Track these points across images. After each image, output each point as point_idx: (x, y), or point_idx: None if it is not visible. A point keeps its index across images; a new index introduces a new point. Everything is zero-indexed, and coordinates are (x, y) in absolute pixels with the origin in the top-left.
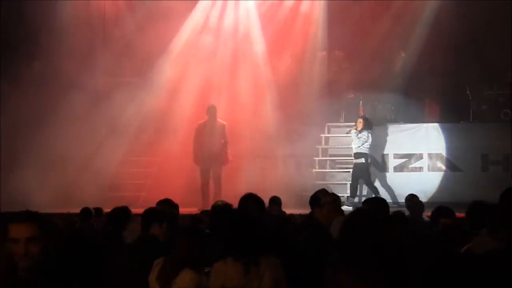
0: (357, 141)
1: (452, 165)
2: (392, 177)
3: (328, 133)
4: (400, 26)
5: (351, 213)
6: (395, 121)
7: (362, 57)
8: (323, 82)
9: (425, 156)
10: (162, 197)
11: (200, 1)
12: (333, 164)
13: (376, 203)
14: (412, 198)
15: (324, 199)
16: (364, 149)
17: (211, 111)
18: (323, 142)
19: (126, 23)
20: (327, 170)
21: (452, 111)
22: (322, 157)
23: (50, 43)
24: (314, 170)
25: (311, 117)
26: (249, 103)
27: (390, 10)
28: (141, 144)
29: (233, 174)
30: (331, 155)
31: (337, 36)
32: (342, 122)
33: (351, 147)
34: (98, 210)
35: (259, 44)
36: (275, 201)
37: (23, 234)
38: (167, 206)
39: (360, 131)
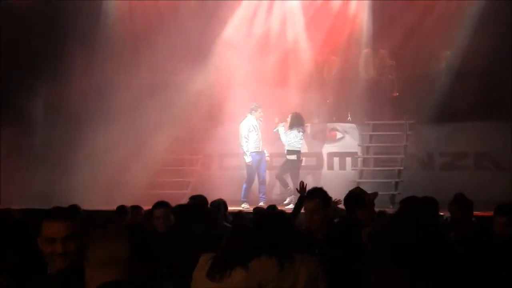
0: (286, 138)
1: (497, 164)
2: (438, 175)
3: (373, 131)
4: (445, 24)
5: (396, 212)
6: (440, 119)
7: (407, 55)
8: (367, 79)
9: (471, 155)
10: (205, 195)
11: (244, 1)
12: (378, 162)
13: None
14: (460, 197)
15: (368, 198)
16: (295, 146)
17: (254, 109)
18: (367, 140)
19: (171, 21)
20: (372, 168)
21: (497, 109)
22: (366, 155)
23: (95, 42)
24: (358, 168)
25: (355, 115)
26: (293, 101)
27: (435, 8)
28: (184, 142)
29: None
30: (375, 153)
31: (381, 33)
32: (386, 120)
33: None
34: (136, 208)
35: (303, 42)
36: None
37: (60, 233)
38: (197, 202)
39: (290, 128)
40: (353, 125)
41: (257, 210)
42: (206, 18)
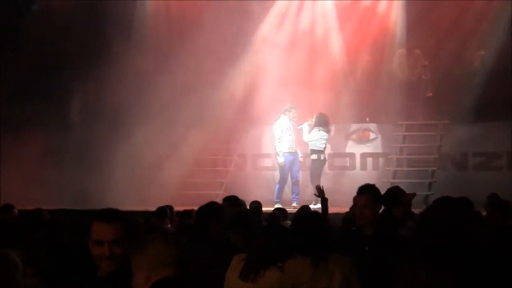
0: (307, 136)
1: None
2: (471, 176)
3: (406, 131)
4: (480, 24)
5: (427, 210)
6: (474, 119)
7: (441, 55)
8: (401, 79)
9: (505, 155)
10: (238, 195)
11: (278, 0)
12: (411, 162)
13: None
14: (494, 198)
15: (406, 197)
16: (317, 146)
17: (288, 110)
18: (401, 140)
19: (205, 21)
20: (405, 169)
21: None
22: (400, 155)
23: (130, 42)
24: (391, 168)
25: (389, 115)
26: (326, 101)
27: (469, 8)
28: (218, 143)
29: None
30: (408, 154)
31: (415, 33)
32: (420, 121)
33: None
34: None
35: (336, 42)
36: None
37: (108, 236)
38: (230, 203)
39: (313, 128)
40: (387, 126)
41: (280, 210)
42: (240, 18)
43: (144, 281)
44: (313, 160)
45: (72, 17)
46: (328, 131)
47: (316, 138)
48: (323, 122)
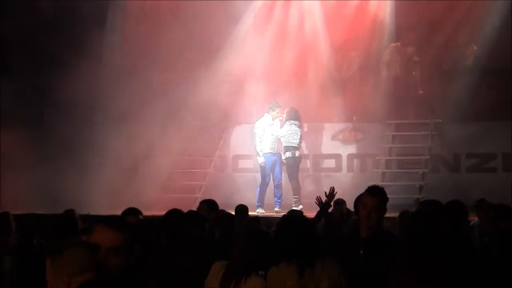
0: (279, 131)
1: None
2: (464, 178)
3: (395, 131)
4: (472, 20)
5: (412, 217)
6: (467, 118)
7: (432, 51)
8: (390, 76)
9: (499, 156)
10: (218, 199)
11: None
12: (401, 164)
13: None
14: (482, 203)
15: None
16: (291, 142)
17: (272, 108)
18: (390, 140)
19: (182, 18)
20: (394, 170)
21: None
22: (388, 156)
23: (105, 39)
24: (380, 170)
25: (378, 115)
26: (312, 99)
27: (461, 3)
28: (196, 143)
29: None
30: (398, 155)
31: (405, 29)
32: (411, 120)
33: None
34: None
35: (323, 38)
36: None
37: (105, 242)
38: (206, 207)
39: (284, 123)
40: (375, 125)
41: (252, 218)
42: (220, 14)
43: (65, 286)
44: (287, 158)
45: (46, 14)
46: (300, 126)
47: (289, 133)
48: (294, 116)
